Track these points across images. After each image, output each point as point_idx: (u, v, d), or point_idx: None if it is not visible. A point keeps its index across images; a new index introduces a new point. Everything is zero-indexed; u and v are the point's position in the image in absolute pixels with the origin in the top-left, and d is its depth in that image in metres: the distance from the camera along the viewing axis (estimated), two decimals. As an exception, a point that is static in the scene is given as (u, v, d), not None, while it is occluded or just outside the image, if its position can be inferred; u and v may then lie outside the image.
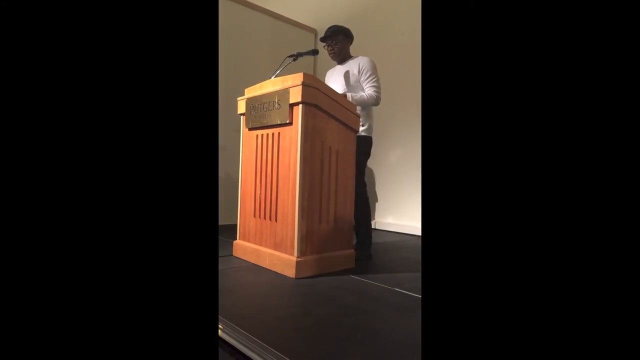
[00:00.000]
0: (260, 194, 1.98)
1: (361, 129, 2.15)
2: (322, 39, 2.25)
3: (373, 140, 2.26)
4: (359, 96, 2.10)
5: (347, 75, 2.17)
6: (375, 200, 3.51)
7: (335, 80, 2.24)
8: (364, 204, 2.17)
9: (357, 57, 2.23)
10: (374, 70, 2.16)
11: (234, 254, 2.15)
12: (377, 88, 2.15)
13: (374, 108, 2.26)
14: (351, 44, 2.30)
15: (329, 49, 2.23)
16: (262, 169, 1.97)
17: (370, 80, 2.14)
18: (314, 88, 1.74)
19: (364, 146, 2.16)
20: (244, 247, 2.08)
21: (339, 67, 2.28)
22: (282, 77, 1.87)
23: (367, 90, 2.13)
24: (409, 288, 1.62)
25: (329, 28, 2.23)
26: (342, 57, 2.25)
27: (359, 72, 2.15)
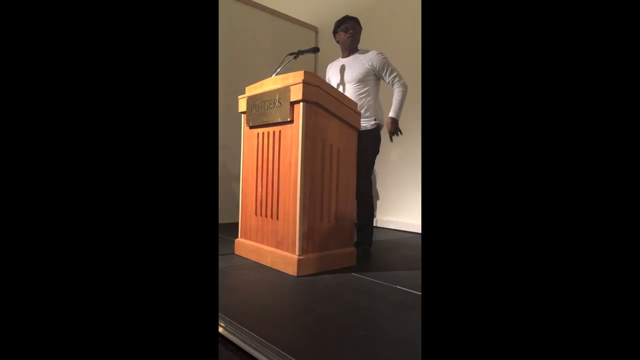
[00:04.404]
0: (262, 192, 1.98)
1: (371, 122, 2.16)
2: (345, 20, 2.22)
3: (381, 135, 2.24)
4: (399, 107, 2.15)
5: (361, 65, 2.16)
6: (377, 198, 3.51)
7: (348, 69, 2.20)
8: (368, 202, 2.17)
9: (366, 51, 2.22)
10: (391, 64, 2.18)
11: (236, 252, 2.15)
12: (401, 79, 2.18)
13: (381, 101, 2.27)
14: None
15: (349, 32, 2.20)
16: (263, 168, 1.97)
17: (395, 75, 2.17)
18: (315, 86, 1.74)
19: (374, 141, 2.16)
20: (246, 245, 2.09)
21: (343, 59, 2.26)
22: (283, 75, 1.86)
23: (397, 92, 2.16)
24: (410, 285, 1.62)
25: (348, 16, 2.23)
26: (354, 46, 2.24)
27: (372, 67, 2.15)
